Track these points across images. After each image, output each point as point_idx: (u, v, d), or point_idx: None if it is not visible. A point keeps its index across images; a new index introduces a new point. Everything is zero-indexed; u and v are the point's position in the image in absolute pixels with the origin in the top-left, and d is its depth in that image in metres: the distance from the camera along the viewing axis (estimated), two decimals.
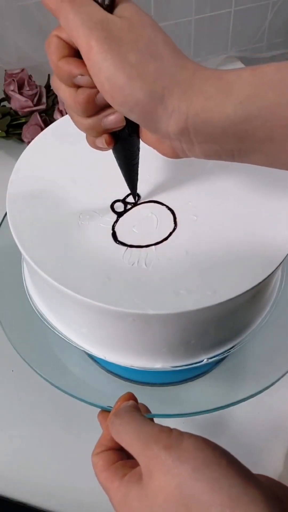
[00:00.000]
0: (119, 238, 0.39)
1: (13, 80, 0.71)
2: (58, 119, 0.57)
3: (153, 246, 0.38)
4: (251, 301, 0.39)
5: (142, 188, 0.42)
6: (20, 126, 0.72)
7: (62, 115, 0.69)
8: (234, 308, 0.37)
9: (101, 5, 0.30)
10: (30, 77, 0.73)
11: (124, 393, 0.37)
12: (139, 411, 0.34)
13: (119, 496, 0.30)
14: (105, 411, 0.38)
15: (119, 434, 0.32)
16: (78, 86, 0.31)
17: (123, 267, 0.37)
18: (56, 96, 0.73)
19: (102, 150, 0.36)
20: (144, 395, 0.38)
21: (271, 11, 0.87)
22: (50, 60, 0.31)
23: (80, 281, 0.36)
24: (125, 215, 0.40)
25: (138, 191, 0.41)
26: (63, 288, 0.35)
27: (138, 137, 0.35)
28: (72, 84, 0.31)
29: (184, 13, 0.82)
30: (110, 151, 0.37)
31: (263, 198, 0.41)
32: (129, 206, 0.41)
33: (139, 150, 0.37)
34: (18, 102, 0.71)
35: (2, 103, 0.75)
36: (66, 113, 0.69)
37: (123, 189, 0.42)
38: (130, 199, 0.41)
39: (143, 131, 0.34)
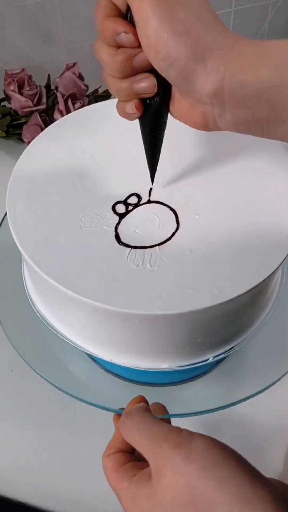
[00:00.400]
0: (123, 240, 0.39)
1: (13, 80, 0.71)
2: (58, 119, 0.57)
3: (157, 247, 0.38)
4: (256, 298, 0.39)
5: (142, 189, 0.42)
6: (20, 126, 0.72)
7: (62, 115, 0.69)
8: (240, 305, 0.37)
9: None
10: (30, 77, 0.73)
11: (135, 396, 0.37)
12: (149, 412, 0.34)
13: (128, 496, 0.30)
14: (119, 415, 0.38)
15: (129, 433, 0.32)
16: (119, 47, 0.33)
17: (128, 269, 0.37)
18: (56, 96, 0.73)
19: (130, 118, 0.37)
20: (144, 395, 0.38)
21: (271, 11, 0.87)
22: (97, 19, 0.33)
23: (85, 283, 0.36)
24: (127, 217, 0.40)
25: (138, 191, 0.42)
26: (67, 290, 0.35)
27: (167, 110, 0.36)
28: (114, 43, 0.33)
29: None
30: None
31: (265, 195, 0.41)
32: (130, 207, 0.41)
33: (165, 126, 0.37)
34: (18, 102, 0.71)
35: (2, 103, 0.75)
36: (66, 113, 0.69)
37: (124, 190, 0.42)
38: (132, 200, 0.41)
39: (175, 103, 0.35)
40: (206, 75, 0.31)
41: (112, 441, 0.35)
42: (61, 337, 0.43)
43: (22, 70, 0.72)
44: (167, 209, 0.40)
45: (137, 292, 0.35)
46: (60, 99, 0.70)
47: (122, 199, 0.41)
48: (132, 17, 0.32)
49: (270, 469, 0.48)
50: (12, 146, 0.73)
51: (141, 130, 0.38)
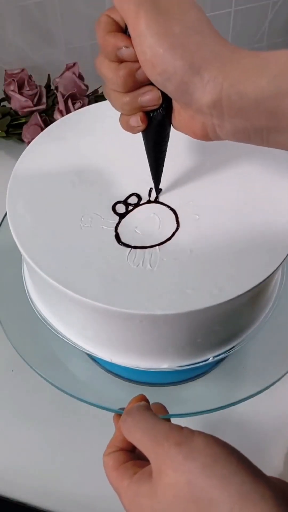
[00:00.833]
0: (123, 240, 0.39)
1: (13, 80, 0.71)
2: (58, 119, 0.57)
3: (157, 247, 0.38)
4: (255, 298, 0.39)
5: (142, 189, 0.42)
6: (20, 126, 0.72)
7: (62, 115, 0.69)
8: (240, 305, 0.37)
9: None
10: (30, 77, 0.73)
11: (136, 395, 0.37)
12: (150, 411, 0.34)
13: (129, 494, 0.31)
14: (119, 414, 0.38)
15: (130, 432, 0.33)
16: (121, 62, 0.33)
17: (128, 269, 0.37)
18: (56, 96, 0.73)
19: (134, 132, 0.37)
20: (146, 396, 0.38)
21: (271, 11, 0.87)
22: (98, 35, 0.34)
23: (85, 283, 0.36)
24: (127, 217, 0.40)
25: (139, 191, 0.42)
26: (67, 291, 0.35)
27: (170, 123, 0.36)
28: (116, 59, 0.33)
29: None
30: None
31: (265, 195, 0.41)
32: (130, 208, 0.41)
33: (168, 138, 0.37)
34: (18, 102, 0.71)
35: (2, 103, 0.75)
36: (66, 113, 0.69)
37: (124, 190, 0.42)
38: (132, 200, 0.41)
39: (175, 114, 0.35)
40: (204, 86, 0.31)
41: (113, 440, 0.35)
42: (61, 337, 0.43)
43: (22, 70, 0.72)
44: (167, 209, 0.40)
45: (137, 292, 0.35)
46: (60, 99, 0.70)
47: (122, 199, 0.41)
48: None
49: (270, 469, 0.47)
50: (12, 146, 0.73)
51: (145, 142, 0.38)
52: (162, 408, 0.39)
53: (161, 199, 0.41)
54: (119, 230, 0.39)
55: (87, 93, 0.74)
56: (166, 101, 0.34)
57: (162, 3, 0.31)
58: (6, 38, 0.76)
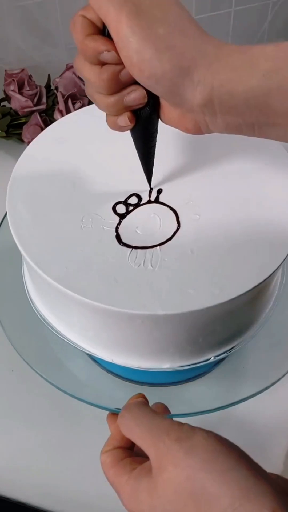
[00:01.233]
0: (123, 240, 0.38)
1: (13, 80, 0.71)
2: (58, 119, 0.57)
3: (158, 247, 0.38)
4: (256, 297, 0.39)
5: (142, 189, 0.42)
6: (20, 126, 0.72)
7: (62, 115, 0.69)
8: (242, 305, 0.37)
9: None
10: (30, 77, 0.73)
11: (132, 391, 0.37)
12: (149, 407, 0.34)
13: (128, 490, 0.30)
14: (113, 413, 0.38)
15: (129, 427, 0.32)
16: (102, 64, 0.32)
17: (129, 269, 0.37)
18: (56, 96, 0.73)
19: (122, 130, 0.36)
20: (145, 395, 0.38)
21: (271, 11, 0.87)
22: (75, 38, 0.33)
23: (86, 284, 0.36)
24: (127, 217, 0.40)
25: (139, 192, 0.42)
26: (68, 291, 0.35)
27: (158, 118, 0.36)
28: (97, 62, 0.32)
29: None
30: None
31: (265, 194, 0.41)
32: (131, 208, 0.41)
33: (157, 133, 0.37)
34: (18, 102, 0.71)
35: (2, 103, 0.75)
36: (66, 113, 0.69)
37: (125, 190, 0.42)
38: (132, 200, 0.41)
39: (164, 111, 0.35)
40: (194, 87, 0.31)
41: (110, 438, 0.35)
42: (61, 337, 0.43)
43: (22, 70, 0.72)
44: (168, 209, 0.40)
45: (139, 292, 0.35)
46: (60, 99, 0.70)
47: (123, 199, 0.41)
48: None
49: (270, 469, 0.47)
50: (12, 146, 0.73)
51: (134, 139, 0.38)
52: (163, 408, 0.39)
53: (161, 199, 0.41)
54: (119, 230, 0.39)
55: None
56: (152, 98, 0.34)
57: (143, 5, 0.31)
58: (6, 38, 0.76)
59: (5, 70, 0.73)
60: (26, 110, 0.71)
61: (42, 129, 0.50)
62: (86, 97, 0.73)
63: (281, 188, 0.41)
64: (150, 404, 0.37)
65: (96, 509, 0.46)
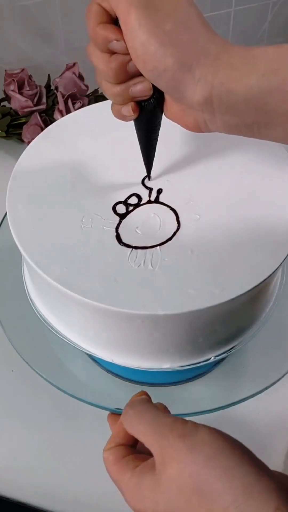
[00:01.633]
0: (123, 240, 0.38)
1: (13, 80, 0.71)
2: (58, 119, 0.57)
3: (158, 247, 0.38)
4: (257, 297, 0.39)
5: (142, 189, 0.42)
6: (20, 126, 0.72)
7: (62, 115, 0.69)
8: (241, 305, 0.37)
9: None
10: (30, 77, 0.73)
11: (133, 391, 0.37)
12: (152, 404, 0.34)
13: (131, 486, 0.30)
14: (114, 413, 0.38)
15: (133, 424, 0.32)
16: (112, 53, 0.33)
17: (130, 269, 0.37)
18: (56, 96, 0.73)
19: (126, 120, 0.37)
20: (149, 395, 0.38)
21: (271, 11, 0.87)
22: (88, 26, 0.33)
23: (86, 284, 0.36)
24: (127, 217, 0.40)
25: (139, 192, 0.41)
26: (68, 291, 0.35)
27: (162, 111, 0.36)
28: (107, 50, 0.33)
29: None
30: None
31: (265, 194, 0.41)
32: (131, 208, 0.41)
33: (160, 126, 0.38)
34: (18, 102, 0.71)
35: (2, 103, 0.75)
36: (66, 113, 0.69)
37: (125, 190, 0.42)
38: (132, 200, 0.41)
39: (167, 106, 0.36)
40: (195, 84, 0.31)
41: (113, 435, 0.35)
42: (61, 337, 0.43)
43: (22, 70, 0.72)
44: (168, 209, 0.40)
45: (139, 292, 0.35)
46: (60, 99, 0.70)
47: (123, 199, 0.41)
48: None
49: (270, 468, 0.48)
50: (12, 146, 0.73)
51: (136, 130, 0.39)
52: (164, 408, 0.39)
53: (161, 199, 0.41)
54: (119, 230, 0.39)
55: (87, 93, 0.74)
56: (158, 92, 0.35)
57: None
58: (6, 38, 0.76)
59: (5, 70, 0.73)
60: (26, 110, 0.71)
61: (42, 129, 0.50)
62: (86, 97, 0.74)
63: (281, 188, 0.41)
64: None
65: (96, 509, 0.46)
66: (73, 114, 0.50)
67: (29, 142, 0.49)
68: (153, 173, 0.42)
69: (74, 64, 0.73)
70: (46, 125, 0.66)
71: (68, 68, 0.73)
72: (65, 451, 0.49)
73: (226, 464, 0.27)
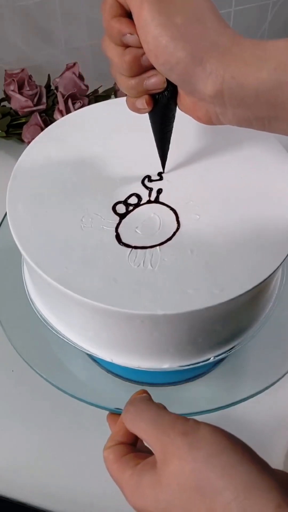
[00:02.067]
0: (123, 240, 0.38)
1: (13, 80, 0.71)
2: (58, 119, 0.57)
3: (157, 247, 0.38)
4: (256, 297, 0.39)
5: (142, 189, 0.42)
6: (20, 126, 0.72)
7: (62, 115, 0.69)
8: (241, 305, 0.37)
9: None
10: (30, 77, 0.73)
11: (134, 391, 0.37)
12: (153, 402, 0.34)
13: (131, 484, 0.30)
14: (113, 413, 0.38)
15: (134, 421, 0.32)
16: (126, 46, 0.34)
17: (129, 269, 0.37)
18: (56, 96, 0.73)
19: (140, 112, 0.37)
20: (150, 393, 0.38)
21: (271, 11, 0.87)
22: (103, 18, 0.34)
23: (86, 283, 0.36)
24: (127, 217, 0.40)
25: (138, 192, 0.41)
26: (68, 291, 0.35)
27: (175, 105, 0.37)
28: (121, 43, 0.34)
29: None
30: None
31: (265, 195, 0.41)
32: (131, 208, 0.41)
33: (174, 118, 0.38)
34: (18, 102, 0.71)
35: (2, 103, 0.75)
36: (66, 113, 0.69)
37: (125, 190, 0.42)
38: (132, 200, 0.41)
39: (180, 98, 0.36)
40: (206, 78, 0.32)
41: (113, 434, 0.35)
42: (61, 337, 0.43)
43: (22, 70, 0.72)
44: (168, 209, 0.40)
45: (138, 292, 0.35)
46: (60, 99, 0.70)
47: (122, 199, 0.41)
48: None
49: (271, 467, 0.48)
50: (12, 146, 0.73)
51: (151, 122, 0.39)
52: (164, 408, 0.39)
53: (161, 199, 0.41)
54: (119, 230, 0.39)
55: (87, 93, 0.74)
56: (171, 85, 0.35)
57: None
58: (6, 38, 0.76)
59: (5, 70, 0.73)
60: (26, 110, 0.71)
61: (42, 129, 0.50)
62: (86, 97, 0.74)
63: (281, 189, 0.41)
64: None
65: (96, 509, 0.46)
66: (73, 114, 0.50)
67: (29, 142, 0.49)
68: (153, 173, 0.42)
69: (74, 64, 0.73)
70: (46, 125, 0.66)
71: (68, 68, 0.73)
72: (65, 451, 0.49)
73: (227, 462, 0.27)
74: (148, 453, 0.31)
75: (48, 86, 0.75)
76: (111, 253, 0.38)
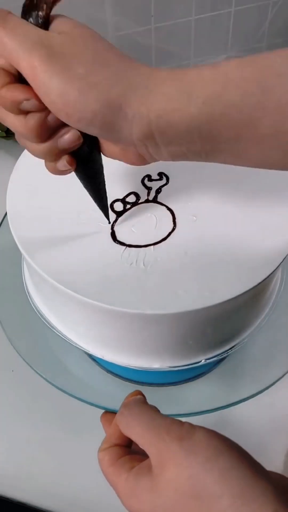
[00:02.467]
0: (118, 238, 0.39)
1: None
2: None
3: (151, 246, 0.38)
4: (249, 302, 0.39)
5: (141, 188, 0.42)
6: None
7: None
8: (232, 309, 0.37)
9: (35, 24, 0.30)
10: None
11: (132, 391, 0.37)
12: (148, 405, 0.34)
13: (127, 488, 0.30)
14: (108, 412, 0.38)
15: (129, 425, 0.32)
16: (26, 113, 0.30)
17: (122, 267, 0.37)
18: None
19: (65, 174, 0.34)
20: (145, 395, 0.38)
21: (271, 11, 0.87)
22: None
23: (79, 280, 0.36)
24: (124, 215, 0.40)
25: (138, 191, 0.41)
26: (61, 287, 0.35)
27: (99, 153, 0.34)
28: (19, 112, 0.29)
29: (184, 13, 0.81)
30: None
31: (263, 198, 0.41)
32: (128, 206, 0.41)
33: (102, 167, 0.35)
34: None
35: None
36: None
37: (123, 189, 0.42)
38: (130, 198, 0.41)
39: (104, 145, 0.33)
40: (130, 123, 0.29)
41: (108, 436, 0.34)
42: (61, 336, 0.43)
43: None
44: (165, 209, 0.40)
45: (129, 290, 0.35)
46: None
47: (121, 197, 0.41)
48: None
49: (270, 469, 0.47)
50: (12, 146, 0.73)
51: (79, 179, 0.36)
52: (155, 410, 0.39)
53: (160, 198, 0.41)
54: (115, 228, 0.39)
55: None
56: (88, 136, 0.32)
57: (55, 45, 0.28)
58: None
59: None
60: None
61: None
62: None
63: (279, 192, 0.41)
64: None
65: (97, 509, 0.46)
66: None
67: None
68: (153, 173, 0.42)
69: None
70: None
71: None
72: (65, 451, 0.49)
73: (223, 466, 0.27)
74: (143, 455, 0.31)
75: None
76: (105, 250, 0.38)
